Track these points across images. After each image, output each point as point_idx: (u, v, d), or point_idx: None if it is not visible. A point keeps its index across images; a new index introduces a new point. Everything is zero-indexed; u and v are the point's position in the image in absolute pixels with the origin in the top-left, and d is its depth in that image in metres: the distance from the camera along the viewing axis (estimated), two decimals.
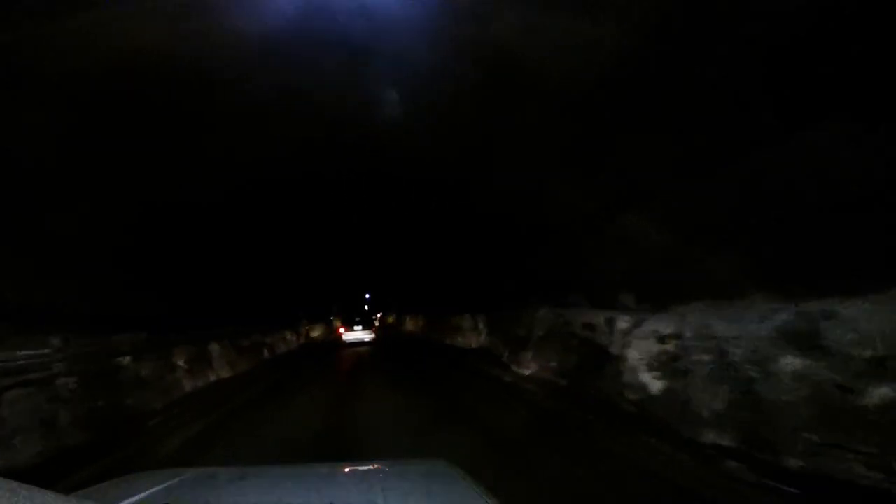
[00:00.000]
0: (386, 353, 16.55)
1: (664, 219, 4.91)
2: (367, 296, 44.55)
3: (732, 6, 3.08)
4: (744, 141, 3.65)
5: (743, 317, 4.14)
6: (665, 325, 5.12)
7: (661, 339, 5.12)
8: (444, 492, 1.42)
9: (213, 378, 10.01)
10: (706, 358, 4.46)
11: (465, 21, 3.91)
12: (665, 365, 5.04)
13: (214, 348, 10.63)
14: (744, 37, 3.17)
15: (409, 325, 27.52)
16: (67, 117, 4.25)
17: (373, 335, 18.87)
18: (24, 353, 5.01)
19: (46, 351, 5.36)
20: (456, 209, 9.19)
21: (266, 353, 14.72)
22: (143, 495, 1.33)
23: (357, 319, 19.53)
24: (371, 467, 1.82)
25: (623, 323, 5.91)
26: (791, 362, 3.64)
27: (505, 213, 7.84)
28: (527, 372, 8.64)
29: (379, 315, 37.25)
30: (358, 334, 18.65)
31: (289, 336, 19.00)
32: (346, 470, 1.79)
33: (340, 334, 19.19)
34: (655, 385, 5.11)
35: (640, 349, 5.41)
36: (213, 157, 6.05)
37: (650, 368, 5.21)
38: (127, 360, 6.87)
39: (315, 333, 27.35)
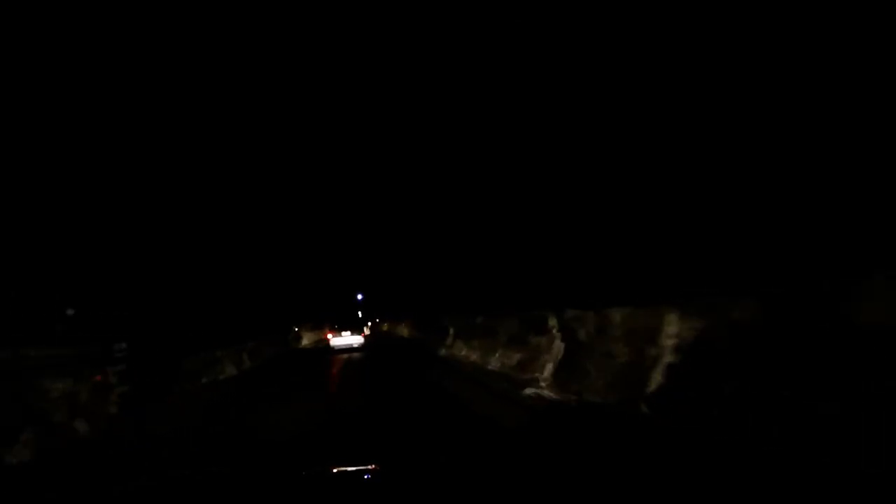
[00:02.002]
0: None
1: None
2: (360, 296, 42.86)
3: None
4: None
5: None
6: None
7: None
8: None
9: None
10: None
11: None
12: None
13: None
14: None
15: (401, 330, 26.77)
16: None
17: (362, 340, 17.80)
18: None
19: None
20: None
21: None
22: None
23: (346, 325, 18.21)
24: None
25: None
26: None
27: None
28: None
29: (370, 323, 34.54)
30: (346, 339, 17.48)
31: None
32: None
33: (328, 340, 17.99)
34: None
35: None
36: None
37: None
38: None
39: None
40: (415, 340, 19.38)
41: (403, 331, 26.74)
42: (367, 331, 20.72)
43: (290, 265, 30.31)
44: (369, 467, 1.67)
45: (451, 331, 12.37)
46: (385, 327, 40.09)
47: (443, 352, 12.39)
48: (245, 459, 4.13)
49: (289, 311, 28.99)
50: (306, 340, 30.05)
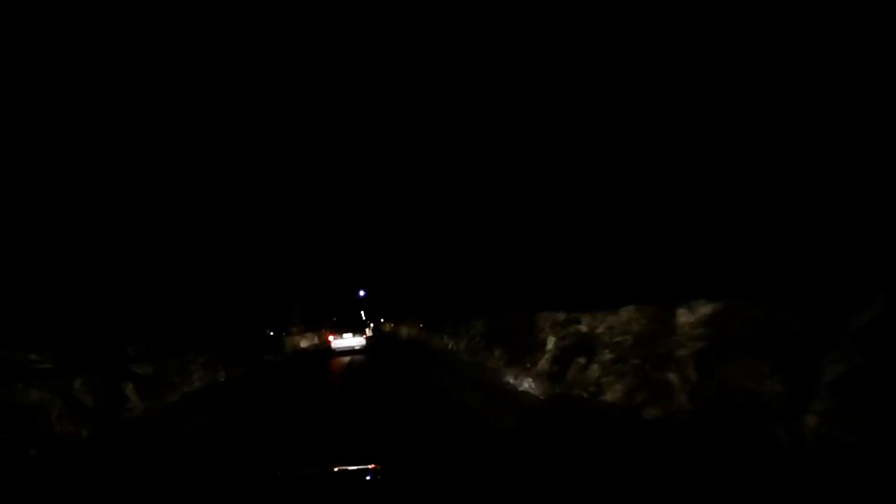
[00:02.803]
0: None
1: None
2: (362, 293, 38.29)
3: None
4: None
5: None
6: None
7: None
8: None
9: None
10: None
11: None
12: None
13: None
14: None
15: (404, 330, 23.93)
16: None
17: (364, 342, 16.87)
18: None
19: None
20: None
21: None
22: None
23: (347, 326, 17.34)
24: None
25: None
26: None
27: None
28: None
29: (372, 324, 31.50)
30: (348, 342, 16.64)
31: None
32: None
33: (329, 343, 17.15)
34: None
35: None
36: None
37: None
38: None
39: None
40: (438, 351, 13.01)
41: (414, 332, 21.15)
42: (369, 332, 20.40)
43: (276, 256, 24.47)
44: (369, 467, 1.62)
45: (552, 341, 5.92)
46: (388, 327, 34.64)
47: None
48: None
49: (270, 312, 22.72)
50: (303, 344, 23.84)
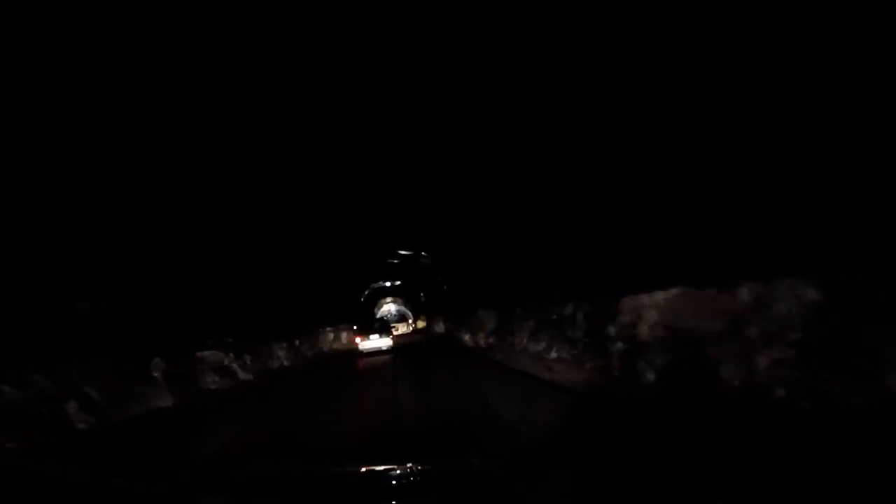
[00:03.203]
0: None
1: None
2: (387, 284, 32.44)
3: None
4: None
5: None
6: None
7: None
8: None
9: None
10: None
11: None
12: None
13: None
14: None
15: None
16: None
17: (391, 343, 16.93)
18: None
19: None
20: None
21: None
22: None
23: (373, 327, 17.78)
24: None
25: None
26: None
27: None
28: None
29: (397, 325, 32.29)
30: (375, 343, 16.74)
31: None
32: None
33: (357, 343, 17.44)
34: None
35: None
36: None
37: None
38: None
39: None
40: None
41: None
42: (394, 331, 20.33)
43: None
44: (396, 468, 1.57)
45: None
46: (421, 324, 34.62)
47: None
48: None
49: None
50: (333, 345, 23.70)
